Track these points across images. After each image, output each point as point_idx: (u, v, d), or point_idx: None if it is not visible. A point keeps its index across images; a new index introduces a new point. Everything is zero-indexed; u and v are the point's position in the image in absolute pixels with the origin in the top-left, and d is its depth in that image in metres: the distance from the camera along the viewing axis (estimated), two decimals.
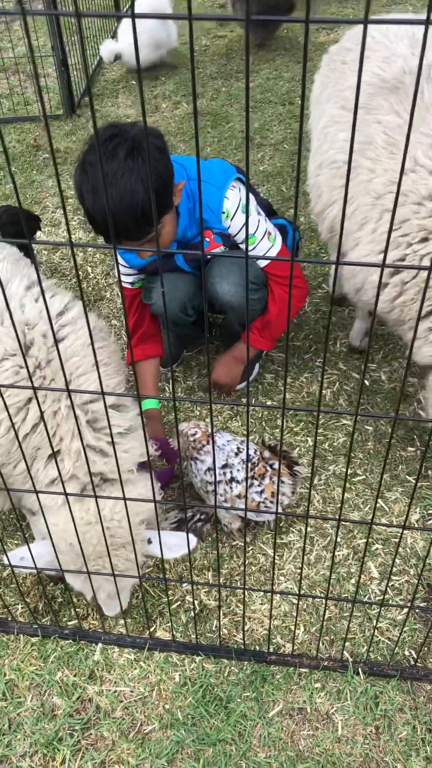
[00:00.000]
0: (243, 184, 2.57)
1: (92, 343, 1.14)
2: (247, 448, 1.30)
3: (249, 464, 2.24)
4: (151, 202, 2.09)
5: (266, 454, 2.29)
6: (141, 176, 2.06)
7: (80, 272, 3.69)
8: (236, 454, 2.26)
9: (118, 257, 2.64)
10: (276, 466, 2.24)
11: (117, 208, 2.06)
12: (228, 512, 2.29)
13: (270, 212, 2.87)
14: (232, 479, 2.23)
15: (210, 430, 1.82)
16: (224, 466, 2.24)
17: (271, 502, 2.23)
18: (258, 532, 2.40)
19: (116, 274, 3.63)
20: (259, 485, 2.23)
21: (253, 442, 2.39)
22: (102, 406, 1.85)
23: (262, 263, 2.59)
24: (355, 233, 2.31)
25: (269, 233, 2.55)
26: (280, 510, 2.28)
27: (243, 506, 2.18)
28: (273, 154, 4.63)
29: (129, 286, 2.71)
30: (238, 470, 2.23)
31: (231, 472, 2.24)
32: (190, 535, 1.92)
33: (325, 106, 2.73)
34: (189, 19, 0.84)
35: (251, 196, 2.58)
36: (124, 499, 1.55)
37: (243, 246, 2.56)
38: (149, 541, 1.97)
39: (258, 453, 2.30)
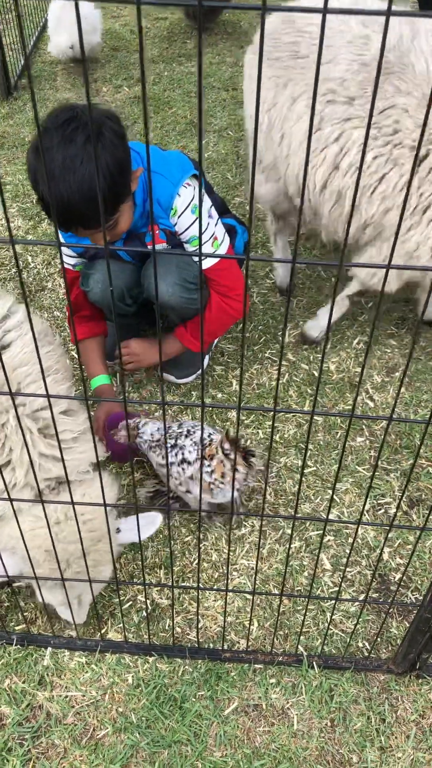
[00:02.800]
0: (198, 182, 2.50)
1: (37, 350, 1.08)
2: (201, 445, 1.26)
3: (200, 446, 2.28)
4: (109, 191, 2.04)
5: (226, 446, 2.25)
6: (100, 163, 1.99)
7: (20, 261, 3.56)
8: (186, 436, 2.27)
9: (61, 238, 2.55)
10: (232, 456, 2.23)
11: (75, 197, 1.99)
12: (194, 496, 2.30)
13: (223, 210, 2.81)
14: (183, 460, 2.25)
15: (162, 420, 1.82)
16: (173, 446, 2.27)
17: (221, 482, 2.21)
18: (210, 528, 2.37)
19: (58, 262, 3.52)
20: (208, 465, 2.23)
21: (217, 431, 2.39)
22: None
23: (203, 265, 2.53)
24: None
25: (215, 238, 2.49)
26: (231, 492, 2.28)
27: (197, 487, 2.20)
28: (217, 140, 4.57)
29: (71, 268, 2.63)
30: (189, 452, 2.25)
31: (182, 453, 2.25)
32: (155, 513, 1.98)
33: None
34: (137, 4, 0.78)
35: (205, 196, 2.50)
36: (72, 503, 1.50)
37: (187, 246, 2.50)
38: (117, 530, 1.99)
39: (210, 436, 2.30)
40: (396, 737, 1.88)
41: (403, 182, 2.36)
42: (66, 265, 2.63)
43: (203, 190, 2.50)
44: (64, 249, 2.57)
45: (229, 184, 4.10)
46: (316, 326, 3.05)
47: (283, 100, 2.57)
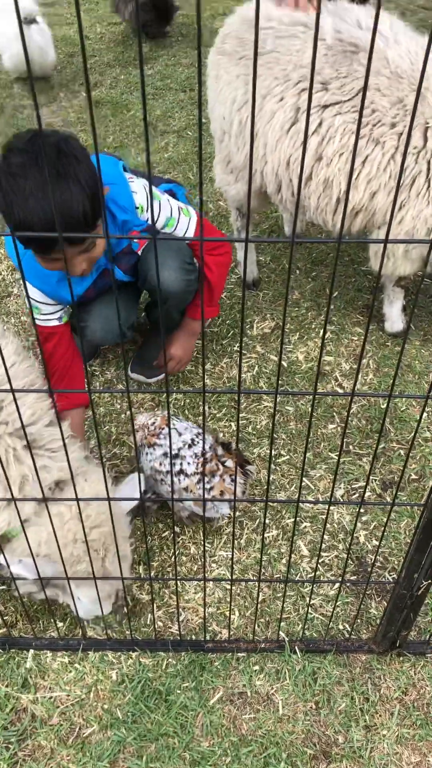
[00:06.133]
0: (127, 170, 2.46)
1: (6, 369, 1.08)
2: (170, 438, 1.26)
3: (202, 459, 2.16)
4: (91, 205, 1.94)
5: (219, 450, 2.22)
6: (74, 180, 1.91)
7: None
8: (189, 447, 2.19)
9: (34, 297, 2.37)
10: (228, 464, 2.18)
11: (64, 211, 1.91)
12: (183, 505, 2.25)
13: (156, 182, 2.81)
14: (180, 471, 2.17)
15: (168, 418, 1.80)
16: (174, 457, 2.19)
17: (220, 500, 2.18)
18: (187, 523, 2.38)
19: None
20: (208, 482, 2.16)
21: (210, 435, 2.34)
22: (38, 428, 1.88)
23: (189, 237, 2.53)
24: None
25: (181, 208, 2.48)
26: (227, 509, 2.26)
27: (190, 498, 2.16)
28: (177, 141, 4.58)
29: (56, 323, 2.43)
30: (189, 463, 2.17)
31: (181, 464, 2.17)
32: (132, 475, 2.06)
33: (226, 90, 2.70)
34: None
35: (145, 182, 2.47)
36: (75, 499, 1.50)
37: (166, 230, 2.50)
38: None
39: (213, 449, 2.23)
40: (380, 715, 1.90)
41: (386, 161, 2.39)
42: (47, 324, 2.42)
43: (152, 188, 2.50)
44: (44, 307, 2.39)
45: (191, 183, 4.12)
46: (392, 320, 3.08)
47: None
